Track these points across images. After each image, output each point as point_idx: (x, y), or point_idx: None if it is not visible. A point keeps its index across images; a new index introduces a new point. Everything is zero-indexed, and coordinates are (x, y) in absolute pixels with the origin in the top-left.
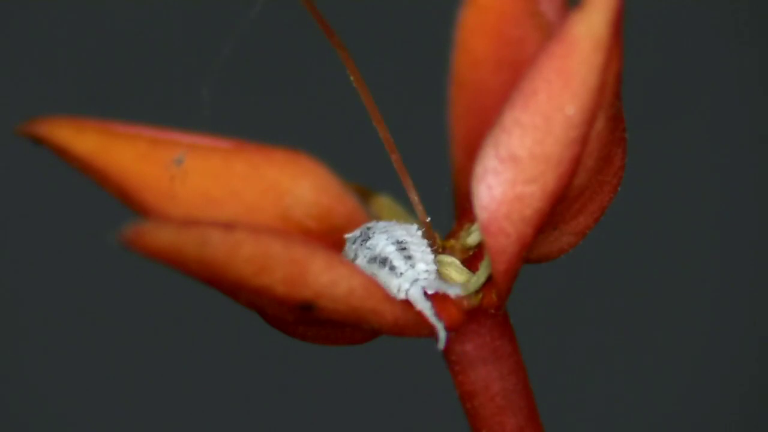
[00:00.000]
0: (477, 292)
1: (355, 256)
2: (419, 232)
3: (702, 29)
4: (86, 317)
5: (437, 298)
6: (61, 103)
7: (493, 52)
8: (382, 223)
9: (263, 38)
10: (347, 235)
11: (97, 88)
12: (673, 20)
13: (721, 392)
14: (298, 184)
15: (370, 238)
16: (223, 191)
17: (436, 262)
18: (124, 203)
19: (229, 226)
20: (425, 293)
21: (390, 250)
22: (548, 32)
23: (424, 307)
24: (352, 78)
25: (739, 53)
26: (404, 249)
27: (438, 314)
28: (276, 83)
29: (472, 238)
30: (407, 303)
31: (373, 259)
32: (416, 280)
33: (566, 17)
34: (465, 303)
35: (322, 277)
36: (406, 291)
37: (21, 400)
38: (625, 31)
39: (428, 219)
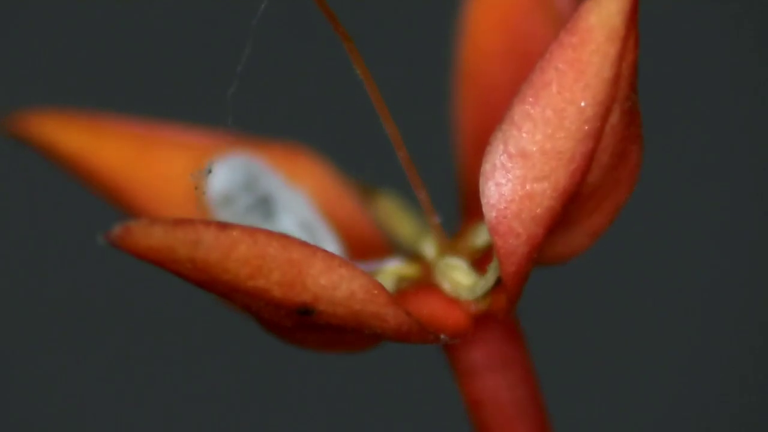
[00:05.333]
0: (485, 296)
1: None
2: (313, 207)
3: (702, 29)
4: (86, 317)
5: (443, 304)
6: (61, 103)
7: (502, 45)
8: (284, 195)
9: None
10: (223, 169)
11: (96, 89)
12: (673, 20)
13: (721, 392)
14: (296, 183)
15: (272, 214)
16: None
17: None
18: (112, 204)
19: (223, 225)
20: None
21: (296, 232)
22: (559, 23)
23: None
24: (358, 71)
25: (739, 53)
26: (310, 230)
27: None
28: (278, 79)
29: (480, 239)
30: (411, 307)
31: None
32: None
33: (579, 7)
34: (473, 308)
35: (321, 280)
36: None
37: (21, 400)
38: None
39: (437, 218)
